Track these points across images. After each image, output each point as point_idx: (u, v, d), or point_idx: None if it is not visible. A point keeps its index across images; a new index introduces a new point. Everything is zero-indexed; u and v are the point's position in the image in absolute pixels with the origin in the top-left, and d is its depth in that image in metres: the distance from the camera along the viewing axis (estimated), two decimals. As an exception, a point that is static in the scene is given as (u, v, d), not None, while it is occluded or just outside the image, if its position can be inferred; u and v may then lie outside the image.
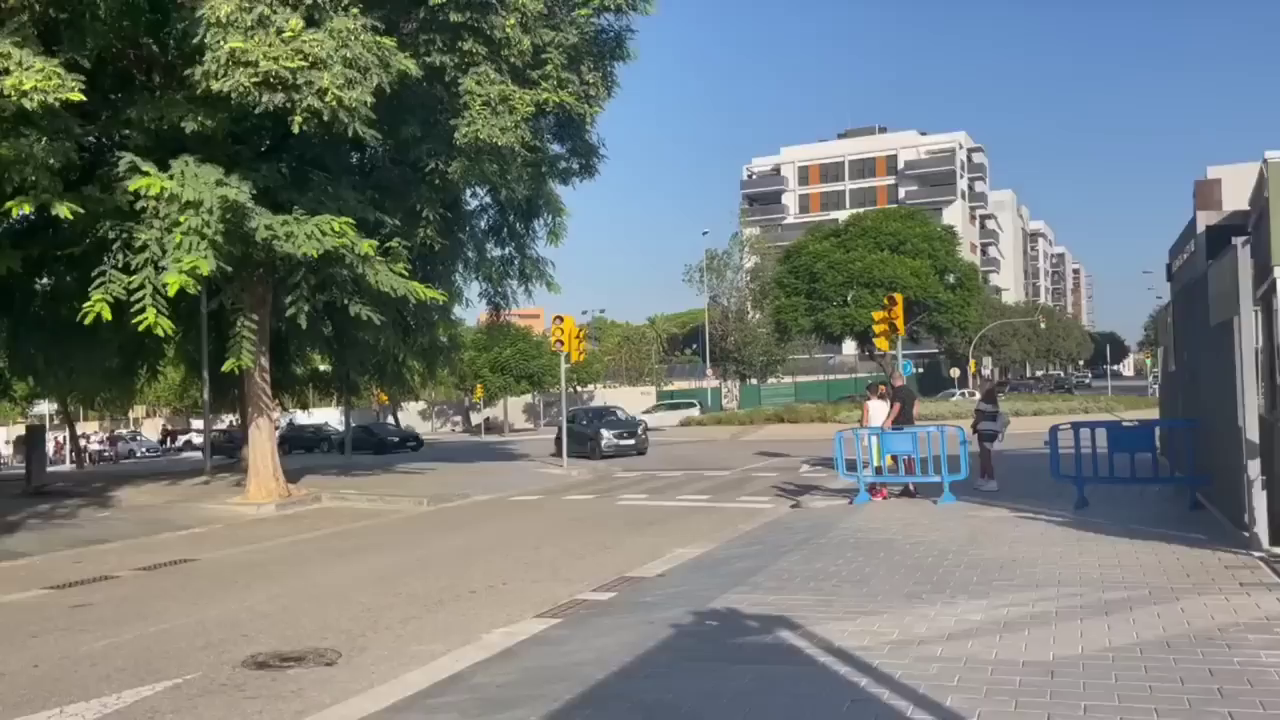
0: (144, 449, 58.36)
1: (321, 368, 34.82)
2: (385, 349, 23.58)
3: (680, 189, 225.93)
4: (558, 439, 33.29)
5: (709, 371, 68.16)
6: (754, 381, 71.68)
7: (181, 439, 63.43)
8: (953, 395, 59.76)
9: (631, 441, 31.23)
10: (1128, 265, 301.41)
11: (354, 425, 48.16)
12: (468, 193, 23.07)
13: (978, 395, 57.89)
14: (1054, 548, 9.68)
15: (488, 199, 24.07)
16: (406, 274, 18.20)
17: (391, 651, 7.64)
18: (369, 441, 43.35)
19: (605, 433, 31.28)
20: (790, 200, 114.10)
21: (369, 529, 16.27)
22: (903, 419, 14.87)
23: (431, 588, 10.25)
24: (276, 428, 24.23)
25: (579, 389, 70.37)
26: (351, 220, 16.90)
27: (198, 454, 41.95)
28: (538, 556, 12.13)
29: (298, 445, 46.40)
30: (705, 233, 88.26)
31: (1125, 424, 13.66)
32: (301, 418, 53.57)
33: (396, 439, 44.45)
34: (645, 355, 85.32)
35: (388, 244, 18.25)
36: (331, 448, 44.70)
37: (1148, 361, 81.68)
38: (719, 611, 7.71)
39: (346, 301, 19.00)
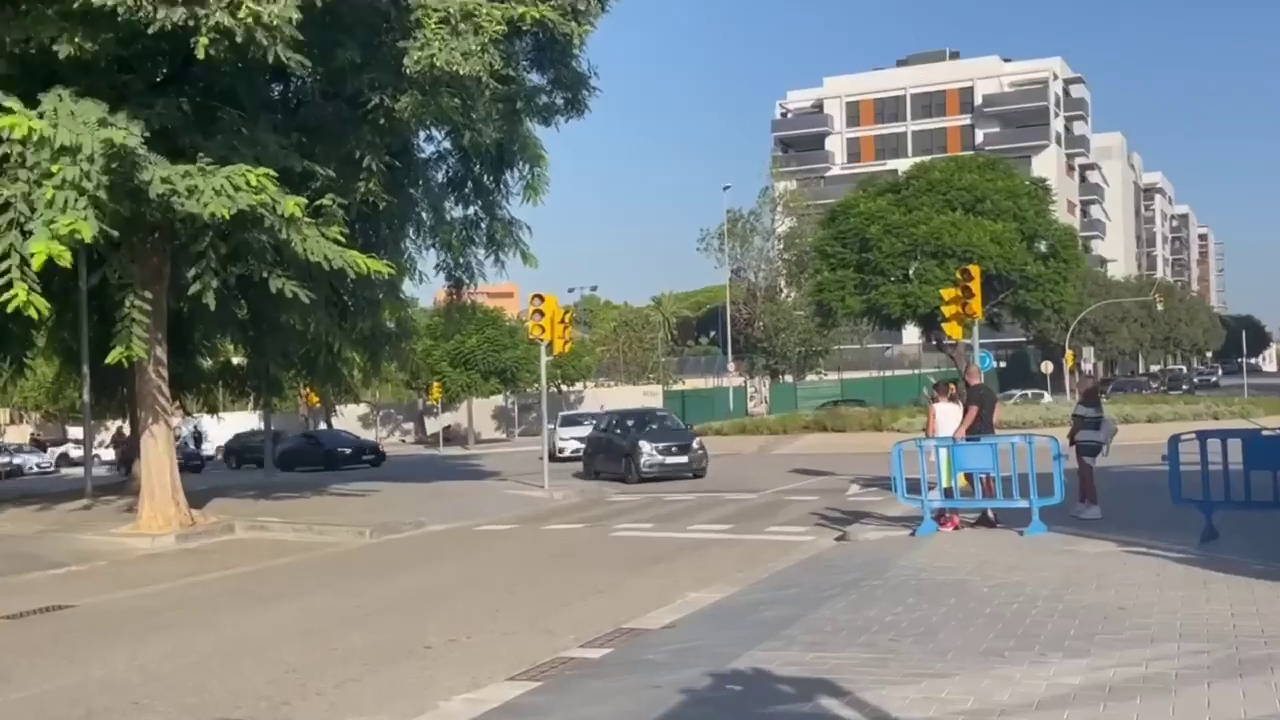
0: (34, 464, 57.12)
1: (234, 360, 34.85)
2: (316, 336, 23.56)
3: (695, 132, 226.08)
4: (587, 452, 32.26)
5: (730, 366, 68.28)
6: (789, 379, 71.74)
7: (55, 451, 63.19)
8: (1012, 396, 59.68)
9: (683, 459, 28.43)
10: (1270, 230, 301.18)
11: (297, 434, 48.29)
12: (421, 136, 23.05)
13: (1060, 395, 57.93)
14: (1174, 592, 9.68)
15: (447, 144, 24.05)
16: (343, 240, 18.20)
17: (323, 724, 7.66)
18: (313, 454, 43.25)
19: (645, 446, 28.45)
20: (836, 146, 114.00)
21: (295, 567, 16.29)
22: (981, 427, 14.84)
23: (375, 642, 10.26)
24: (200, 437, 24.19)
25: (564, 388, 70.46)
26: (272, 171, 16.89)
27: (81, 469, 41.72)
28: (511, 602, 12.13)
29: (247, 459, 46.20)
30: (727, 188, 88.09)
31: (1266, 433, 13.63)
32: (209, 424, 53.61)
33: (348, 450, 44.17)
34: (649, 345, 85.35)
35: (319, 202, 18.24)
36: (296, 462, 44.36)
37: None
38: (743, 673, 7.72)
39: (266, 275, 18.97)
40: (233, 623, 11.73)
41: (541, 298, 26.86)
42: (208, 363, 33.07)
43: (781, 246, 71.64)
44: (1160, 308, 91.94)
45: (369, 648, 10.02)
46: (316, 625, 11.28)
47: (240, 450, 48.06)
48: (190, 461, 44.05)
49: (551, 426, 35.71)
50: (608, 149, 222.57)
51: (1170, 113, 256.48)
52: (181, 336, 25.40)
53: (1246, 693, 6.59)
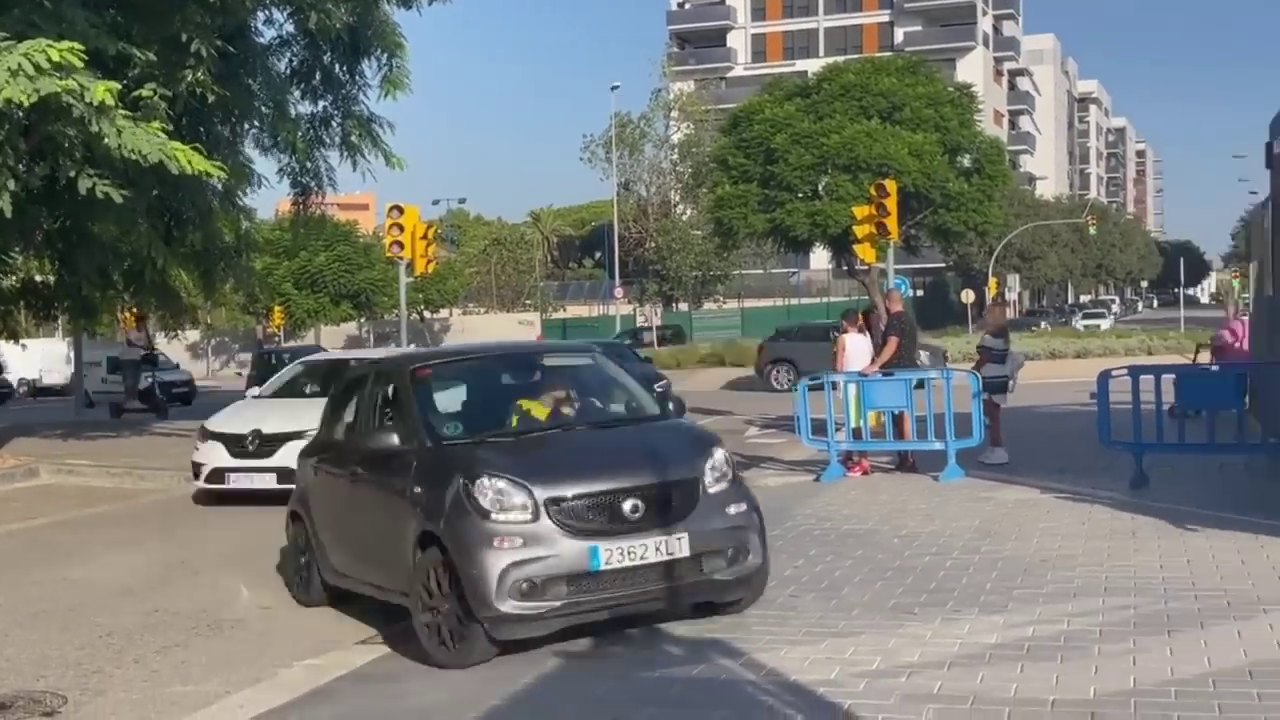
0: None
1: (39, 278, 33.86)
2: (136, 250, 22.95)
3: (579, 23, 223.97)
4: None
5: (618, 292, 68.29)
6: (683, 306, 72.09)
7: None
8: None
9: None
10: (1211, 149, 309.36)
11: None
12: (260, 18, 22.42)
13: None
14: (1100, 542, 9.99)
15: (290, 27, 23.41)
16: (165, 136, 17.65)
17: (142, 696, 7.56)
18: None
19: None
20: (739, 42, 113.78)
21: (111, 517, 16.04)
22: (902, 361, 14.96)
23: (204, 602, 10.15)
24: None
25: (428, 315, 69.89)
26: (81, 47, 16.27)
27: None
28: (363, 556, 12.07)
29: None
30: (615, 88, 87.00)
31: (1201, 370, 14.06)
32: (11, 351, 51.80)
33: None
34: (526, 267, 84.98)
35: (137, 92, 17.68)
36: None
37: (1235, 284, 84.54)
38: (625, 634, 7.78)
39: (74, 174, 18.38)
40: (36, 580, 11.49)
41: (401, 209, 26.38)
42: (7, 281, 32.08)
43: (676, 156, 71.53)
44: (1093, 231, 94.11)
45: (197, 609, 9.91)
46: (136, 583, 11.09)
47: None
48: None
49: None
50: (478, 40, 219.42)
51: (1108, 13, 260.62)
52: (-27, 250, 24.56)
53: (1175, 650, 6.84)
